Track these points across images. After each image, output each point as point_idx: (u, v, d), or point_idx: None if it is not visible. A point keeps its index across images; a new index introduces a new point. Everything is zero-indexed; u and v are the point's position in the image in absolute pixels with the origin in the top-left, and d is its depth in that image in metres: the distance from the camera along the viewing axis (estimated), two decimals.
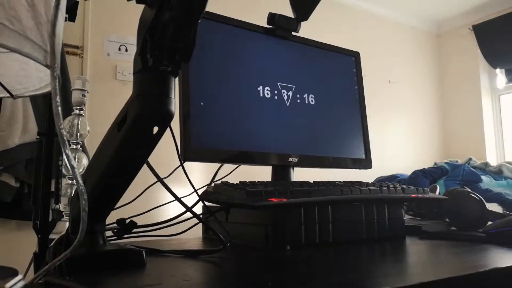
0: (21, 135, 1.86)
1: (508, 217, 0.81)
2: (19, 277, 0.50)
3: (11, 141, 1.83)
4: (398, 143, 3.51)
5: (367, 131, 0.99)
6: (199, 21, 0.43)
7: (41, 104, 1.90)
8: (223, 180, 0.77)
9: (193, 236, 0.80)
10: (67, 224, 0.56)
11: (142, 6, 0.44)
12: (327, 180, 0.77)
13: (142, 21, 0.44)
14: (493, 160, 3.36)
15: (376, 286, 0.42)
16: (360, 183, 0.79)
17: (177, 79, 0.47)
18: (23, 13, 0.45)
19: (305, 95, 0.91)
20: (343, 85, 0.99)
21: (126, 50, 2.43)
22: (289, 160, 0.84)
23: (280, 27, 0.89)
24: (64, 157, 0.51)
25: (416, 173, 2.56)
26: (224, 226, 0.67)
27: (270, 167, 0.86)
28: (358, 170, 0.96)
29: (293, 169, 0.87)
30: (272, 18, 0.88)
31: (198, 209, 0.72)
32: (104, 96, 2.26)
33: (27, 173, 1.84)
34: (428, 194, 0.81)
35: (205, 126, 0.75)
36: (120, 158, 0.47)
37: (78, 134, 0.93)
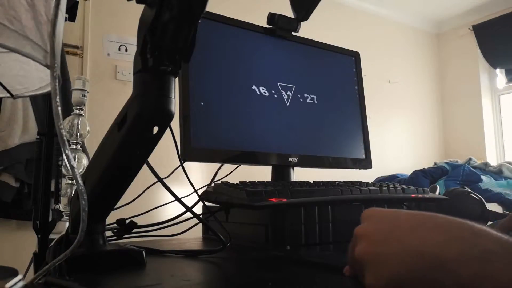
0: (21, 135, 1.86)
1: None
2: (19, 277, 0.50)
3: (11, 141, 1.83)
4: (398, 143, 3.52)
5: (367, 131, 0.99)
6: (199, 21, 0.43)
7: (41, 104, 1.90)
8: (223, 180, 0.77)
9: (193, 236, 0.80)
10: (67, 224, 0.56)
11: (142, 6, 0.44)
12: (327, 180, 0.77)
13: (142, 21, 0.44)
14: (493, 160, 3.37)
15: None
16: (360, 183, 0.79)
17: (177, 79, 0.47)
18: (23, 13, 0.45)
19: (305, 95, 0.91)
20: (343, 85, 0.99)
21: (126, 50, 2.43)
22: (289, 160, 0.84)
23: (280, 27, 0.89)
24: (64, 157, 0.51)
25: (416, 173, 2.56)
26: (224, 226, 0.67)
27: (270, 167, 0.86)
28: (358, 170, 0.97)
29: (293, 169, 0.87)
30: (272, 18, 0.88)
31: (198, 209, 0.72)
32: (104, 96, 2.26)
33: (27, 173, 1.84)
34: (428, 194, 0.81)
35: (205, 126, 0.75)
36: (120, 158, 0.47)
37: (78, 134, 0.93)
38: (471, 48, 3.71)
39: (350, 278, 0.45)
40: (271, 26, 0.89)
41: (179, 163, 0.71)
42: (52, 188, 0.70)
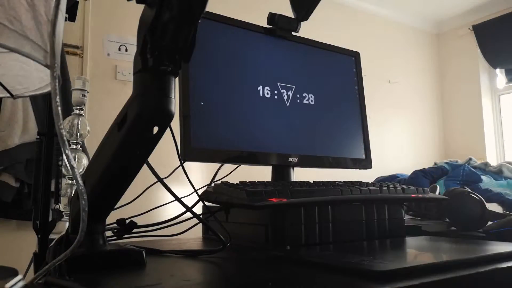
0: (21, 135, 1.86)
1: (508, 217, 0.81)
2: (19, 277, 0.50)
3: (11, 141, 1.83)
4: (398, 143, 3.52)
5: (367, 131, 0.99)
6: (199, 21, 0.43)
7: (41, 104, 1.90)
8: (223, 180, 0.77)
9: (193, 236, 0.80)
10: (67, 224, 0.56)
11: (142, 6, 0.44)
12: (327, 180, 0.77)
13: (142, 21, 0.44)
14: (493, 160, 3.36)
15: (376, 285, 0.42)
16: (360, 183, 0.79)
17: (177, 79, 0.47)
18: (23, 13, 0.45)
19: (305, 95, 0.91)
20: (343, 85, 0.99)
21: (126, 50, 2.43)
22: (289, 160, 0.84)
23: (280, 27, 0.89)
24: (64, 157, 0.51)
25: (416, 173, 2.56)
26: (224, 226, 0.67)
27: (270, 167, 0.86)
28: (358, 170, 0.97)
29: (293, 169, 0.87)
30: (272, 18, 0.88)
31: (198, 209, 0.72)
32: (104, 96, 2.26)
33: (27, 173, 1.84)
34: (428, 194, 0.81)
35: (205, 126, 0.75)
36: (120, 158, 0.47)
37: (78, 134, 0.93)
38: (471, 48, 3.71)
39: (350, 278, 0.45)
40: (271, 26, 0.89)
41: (179, 163, 0.71)
42: (52, 188, 0.70)
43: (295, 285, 0.43)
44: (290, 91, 0.88)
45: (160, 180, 0.63)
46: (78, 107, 0.93)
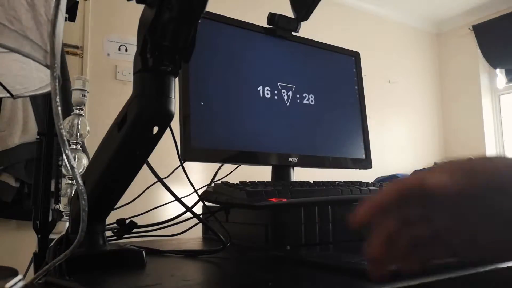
0: (21, 135, 1.86)
1: None
2: (19, 277, 0.50)
3: (11, 141, 1.83)
4: (398, 143, 3.51)
5: (367, 131, 0.99)
6: (199, 21, 0.43)
7: (41, 104, 1.90)
8: (223, 180, 0.77)
9: (193, 236, 0.80)
10: (67, 224, 0.56)
11: (142, 6, 0.44)
12: (327, 180, 0.77)
13: (142, 21, 0.44)
14: None
15: (376, 285, 0.42)
16: (360, 183, 0.79)
17: (177, 79, 0.47)
18: (23, 13, 0.45)
19: (305, 95, 0.90)
20: (343, 85, 0.99)
21: (126, 50, 2.43)
22: (289, 160, 0.84)
23: (280, 27, 0.88)
24: (64, 157, 0.51)
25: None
26: (224, 226, 0.67)
27: (270, 167, 0.86)
28: (358, 170, 0.96)
29: (293, 169, 0.87)
30: (272, 18, 0.88)
31: (198, 209, 0.72)
32: (104, 96, 2.26)
33: (27, 173, 1.84)
34: None
35: (205, 126, 0.75)
36: (120, 158, 0.47)
37: (78, 134, 0.93)
38: (471, 48, 3.71)
39: (350, 278, 0.45)
40: (271, 26, 0.89)
41: (179, 163, 0.71)
42: (52, 188, 0.70)
43: (295, 285, 0.43)
44: (290, 91, 0.88)
45: (160, 180, 0.63)
46: (78, 107, 0.93)
